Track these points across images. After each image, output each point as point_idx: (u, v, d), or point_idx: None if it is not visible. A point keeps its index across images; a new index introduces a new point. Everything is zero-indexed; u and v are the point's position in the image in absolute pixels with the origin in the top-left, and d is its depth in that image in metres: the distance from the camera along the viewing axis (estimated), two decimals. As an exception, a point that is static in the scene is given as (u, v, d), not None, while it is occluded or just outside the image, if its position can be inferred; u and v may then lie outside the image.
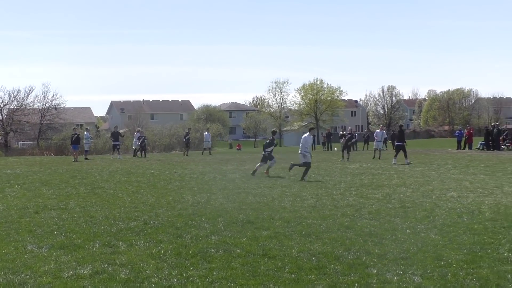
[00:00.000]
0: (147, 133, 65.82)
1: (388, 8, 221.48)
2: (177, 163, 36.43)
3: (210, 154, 50.15)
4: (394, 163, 32.43)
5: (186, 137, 51.22)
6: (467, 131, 54.94)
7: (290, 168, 25.57)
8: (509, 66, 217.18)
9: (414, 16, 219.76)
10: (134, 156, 46.23)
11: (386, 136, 47.99)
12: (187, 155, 48.53)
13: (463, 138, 54.13)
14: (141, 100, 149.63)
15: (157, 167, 32.29)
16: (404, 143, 33.94)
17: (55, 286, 8.43)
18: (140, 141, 46.55)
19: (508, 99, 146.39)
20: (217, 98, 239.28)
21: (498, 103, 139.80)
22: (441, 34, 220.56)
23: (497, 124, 55.63)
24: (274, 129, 30.26)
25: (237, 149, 79.05)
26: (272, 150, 26.47)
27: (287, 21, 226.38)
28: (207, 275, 8.92)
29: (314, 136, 28.14)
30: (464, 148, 52.63)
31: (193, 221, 13.56)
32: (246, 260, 9.77)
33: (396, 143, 34.54)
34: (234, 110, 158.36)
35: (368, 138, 58.77)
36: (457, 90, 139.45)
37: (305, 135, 24.92)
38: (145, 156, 45.96)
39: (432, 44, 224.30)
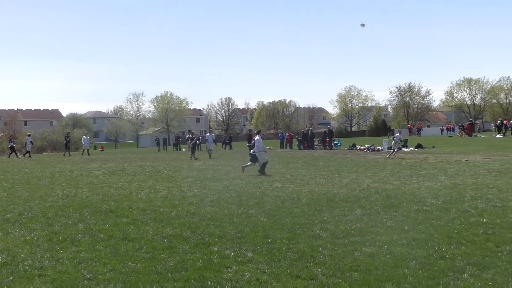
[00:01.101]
0: (22, 137, 62.99)
1: (224, 34, 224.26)
2: (48, 162, 34.94)
3: (88, 154, 47.85)
4: None
5: (66, 140, 49.07)
6: (288, 134, 56.83)
7: (261, 172, 22.38)
8: (320, 83, 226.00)
9: (245, 41, 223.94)
10: (29, 156, 44.19)
11: (214, 138, 48.21)
12: (69, 155, 46.60)
13: (285, 140, 55.93)
14: (15, 109, 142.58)
15: (31, 166, 30.80)
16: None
17: None
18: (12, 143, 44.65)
19: (319, 108, 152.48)
20: (82, 107, 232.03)
21: (312, 112, 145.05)
22: (267, 55, 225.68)
23: (311, 129, 57.74)
24: (251, 128, 28.03)
25: (101, 150, 77.57)
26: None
27: (141, 42, 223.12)
28: (75, 256, 8.67)
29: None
30: (286, 148, 54.29)
31: (62, 211, 13.10)
32: (108, 243, 9.57)
33: (247, 144, 35.39)
34: (98, 117, 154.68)
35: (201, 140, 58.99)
36: (280, 101, 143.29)
37: (257, 137, 23.93)
38: (29, 156, 44.23)
39: (260, 63, 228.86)
